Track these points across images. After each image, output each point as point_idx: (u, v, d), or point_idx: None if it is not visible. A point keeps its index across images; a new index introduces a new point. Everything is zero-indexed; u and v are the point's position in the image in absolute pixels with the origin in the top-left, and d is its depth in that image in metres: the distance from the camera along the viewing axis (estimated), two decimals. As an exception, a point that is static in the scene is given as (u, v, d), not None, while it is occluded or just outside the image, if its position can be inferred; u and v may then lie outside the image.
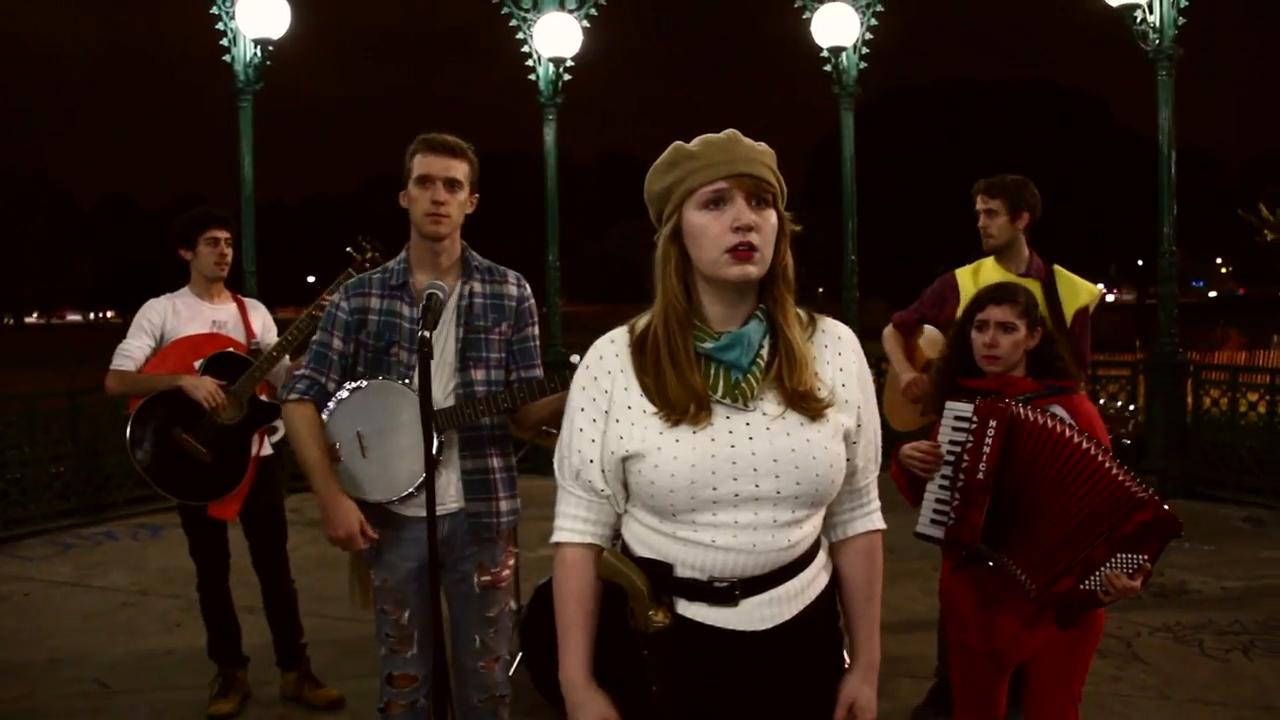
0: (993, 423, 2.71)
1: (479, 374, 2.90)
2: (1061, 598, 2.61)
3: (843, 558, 1.99)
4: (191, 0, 8.84)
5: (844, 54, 9.15)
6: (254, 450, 4.04)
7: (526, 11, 9.24)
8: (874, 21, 9.07)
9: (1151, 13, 7.65)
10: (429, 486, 2.46)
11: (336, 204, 66.54)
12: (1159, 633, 4.95)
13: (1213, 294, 65.01)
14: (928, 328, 4.26)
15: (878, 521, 2.01)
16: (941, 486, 2.82)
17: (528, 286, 3.05)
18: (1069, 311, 3.91)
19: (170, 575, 6.05)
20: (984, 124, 44.39)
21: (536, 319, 3.06)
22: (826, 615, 1.93)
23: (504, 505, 2.94)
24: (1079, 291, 3.96)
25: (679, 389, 1.79)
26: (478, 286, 2.95)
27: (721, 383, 1.80)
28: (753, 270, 1.77)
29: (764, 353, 1.82)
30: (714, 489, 1.77)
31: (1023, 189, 3.99)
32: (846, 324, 1.97)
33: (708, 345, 1.81)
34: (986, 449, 2.70)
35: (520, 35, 9.30)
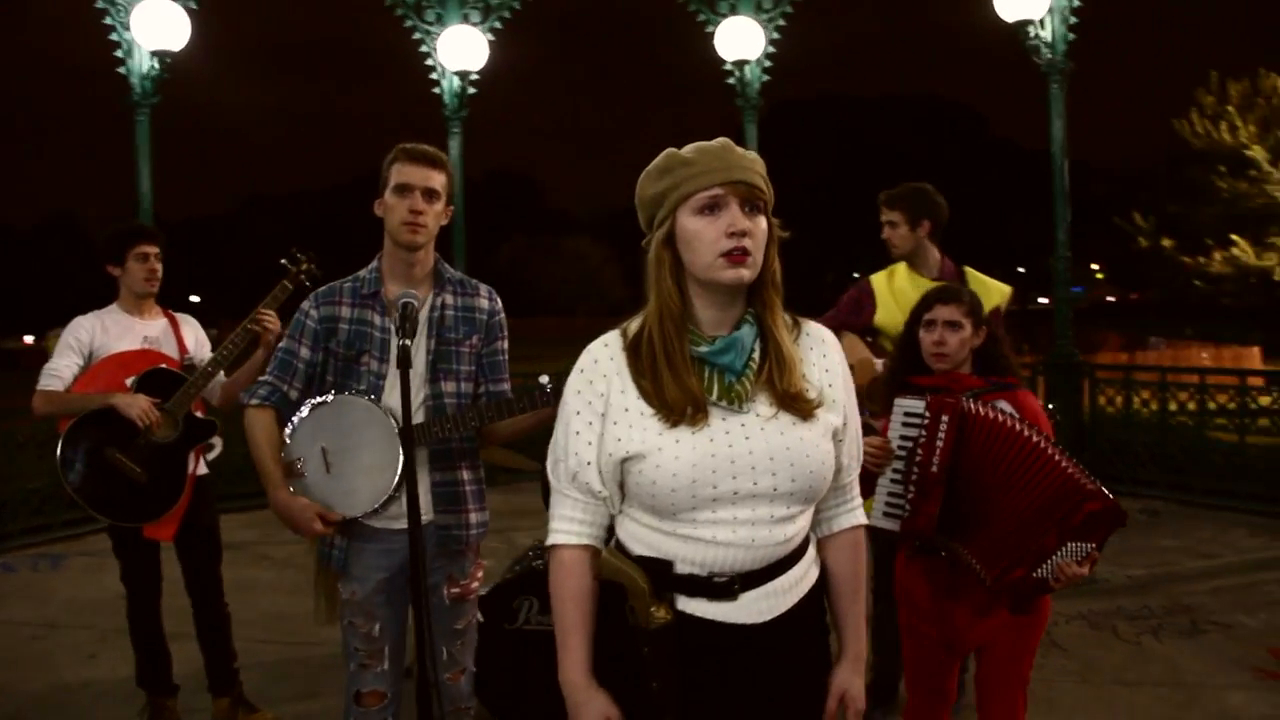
0: (945, 418, 2.81)
1: (449, 386, 2.87)
2: (1015, 585, 2.71)
3: (829, 553, 2.04)
4: (75, 11, 8.52)
5: (747, 67, 9.31)
6: (190, 469, 3.93)
7: (430, 24, 9.17)
8: (776, 35, 9.25)
9: (1044, 29, 8.07)
10: (410, 497, 2.43)
11: (220, 222, 64.62)
12: (1075, 620, 5.17)
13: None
14: (846, 334, 4.36)
15: (861, 517, 2.07)
16: (894, 480, 2.90)
17: (499, 300, 3.03)
18: None
19: (78, 606, 5.80)
20: (869, 137, 45.62)
21: (507, 333, 3.04)
22: (817, 608, 1.99)
23: (473, 518, 2.92)
24: (990, 291, 4.10)
25: (676, 391, 1.82)
26: (450, 299, 2.93)
27: (716, 385, 1.84)
28: (746, 274, 1.82)
29: (755, 356, 1.87)
30: (714, 487, 1.81)
31: (921, 198, 4.12)
32: None
33: (702, 349, 1.85)
34: (940, 443, 2.79)
35: (424, 48, 9.23)
